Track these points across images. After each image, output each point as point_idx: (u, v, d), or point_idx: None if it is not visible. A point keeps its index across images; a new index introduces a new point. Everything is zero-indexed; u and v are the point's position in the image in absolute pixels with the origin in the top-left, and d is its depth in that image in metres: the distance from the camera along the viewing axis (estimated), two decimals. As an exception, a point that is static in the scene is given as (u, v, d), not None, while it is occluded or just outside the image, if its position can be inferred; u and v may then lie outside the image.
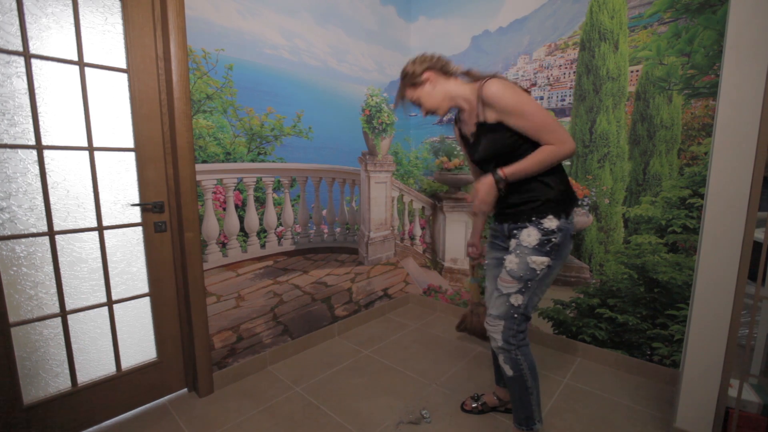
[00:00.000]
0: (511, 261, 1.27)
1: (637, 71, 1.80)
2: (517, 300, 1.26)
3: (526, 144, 1.20)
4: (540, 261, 1.23)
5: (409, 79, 1.32)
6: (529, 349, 1.35)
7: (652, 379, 1.88)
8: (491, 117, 1.22)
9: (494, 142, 1.24)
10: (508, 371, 1.32)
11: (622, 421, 1.60)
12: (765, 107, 1.19)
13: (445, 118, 2.59)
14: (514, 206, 1.28)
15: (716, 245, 1.30)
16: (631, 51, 1.81)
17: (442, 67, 1.31)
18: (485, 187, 1.23)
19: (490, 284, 1.47)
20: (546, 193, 1.23)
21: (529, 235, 1.24)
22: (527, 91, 1.23)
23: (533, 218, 1.24)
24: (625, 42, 1.82)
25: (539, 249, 1.23)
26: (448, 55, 2.48)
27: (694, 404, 1.40)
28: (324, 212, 2.26)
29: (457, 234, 2.58)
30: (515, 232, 1.29)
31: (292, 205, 2.09)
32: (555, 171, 1.24)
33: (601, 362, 2.04)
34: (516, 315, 1.28)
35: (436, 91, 1.30)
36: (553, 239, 1.22)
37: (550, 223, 1.22)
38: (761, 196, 1.24)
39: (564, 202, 1.24)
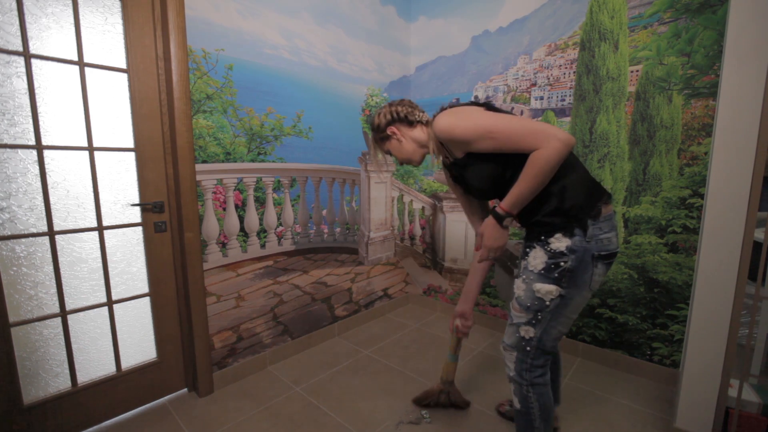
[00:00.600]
0: (518, 287, 1.10)
1: (637, 71, 1.80)
2: (527, 333, 1.09)
3: (514, 161, 1.01)
4: (546, 290, 1.03)
5: (377, 133, 1.26)
6: (546, 389, 1.13)
7: (652, 379, 1.88)
8: (458, 152, 1.10)
9: (476, 175, 1.10)
10: (516, 404, 1.17)
11: (622, 421, 1.60)
12: (765, 107, 1.19)
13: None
14: (526, 221, 1.11)
15: (716, 245, 1.30)
16: (631, 51, 1.81)
17: (406, 117, 1.21)
18: (490, 230, 1.04)
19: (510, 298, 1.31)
20: (552, 205, 1.02)
21: (535, 258, 1.05)
22: (485, 104, 1.09)
23: (541, 237, 1.05)
24: (625, 42, 1.82)
25: (545, 275, 1.03)
26: (447, 55, 2.51)
27: (694, 404, 1.40)
28: (324, 212, 2.26)
29: (457, 234, 2.58)
30: (527, 250, 1.10)
31: (292, 205, 2.09)
32: (565, 175, 1.02)
33: (601, 362, 2.04)
34: (528, 348, 1.10)
35: (404, 143, 1.23)
36: (563, 263, 1.01)
37: (559, 243, 1.01)
38: (761, 196, 1.24)
39: (578, 215, 1.00)
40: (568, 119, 2.04)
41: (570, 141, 0.93)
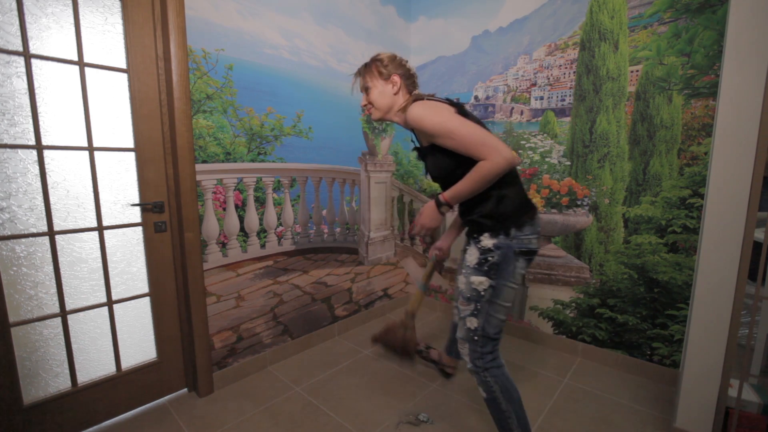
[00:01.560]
0: (461, 281, 1.25)
1: (637, 71, 1.80)
2: (472, 323, 1.21)
3: (466, 162, 1.13)
4: (479, 281, 1.19)
5: (378, 66, 1.28)
6: (501, 371, 1.24)
7: (652, 379, 1.88)
8: (423, 140, 1.23)
9: (434, 164, 1.22)
10: (482, 393, 1.27)
11: (622, 421, 1.60)
12: (765, 107, 1.19)
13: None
14: (464, 217, 1.27)
15: (716, 245, 1.30)
16: (631, 51, 1.81)
17: (411, 84, 1.32)
18: (428, 210, 1.21)
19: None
20: (487, 208, 1.17)
21: (471, 255, 1.22)
22: (456, 104, 1.20)
23: (474, 236, 1.22)
24: (625, 42, 1.82)
25: (478, 268, 1.19)
26: (448, 55, 2.51)
27: (694, 404, 1.40)
28: (324, 212, 2.26)
29: (457, 234, 2.58)
30: (466, 248, 1.29)
31: (292, 205, 2.09)
32: (506, 186, 1.17)
33: (601, 362, 2.04)
34: (476, 338, 1.22)
35: (391, 96, 1.28)
36: (490, 258, 1.17)
37: (487, 241, 1.18)
38: (761, 196, 1.24)
39: (505, 219, 1.16)
40: (568, 119, 2.04)
41: (513, 161, 1.08)
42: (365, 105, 1.32)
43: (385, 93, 1.28)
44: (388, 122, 1.25)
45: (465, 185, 1.12)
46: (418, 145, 1.30)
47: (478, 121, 1.20)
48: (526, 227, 1.18)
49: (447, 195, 1.17)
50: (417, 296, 1.71)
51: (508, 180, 1.18)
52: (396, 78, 1.28)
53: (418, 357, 1.81)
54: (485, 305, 1.20)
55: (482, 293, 1.19)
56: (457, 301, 1.27)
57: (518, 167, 2.24)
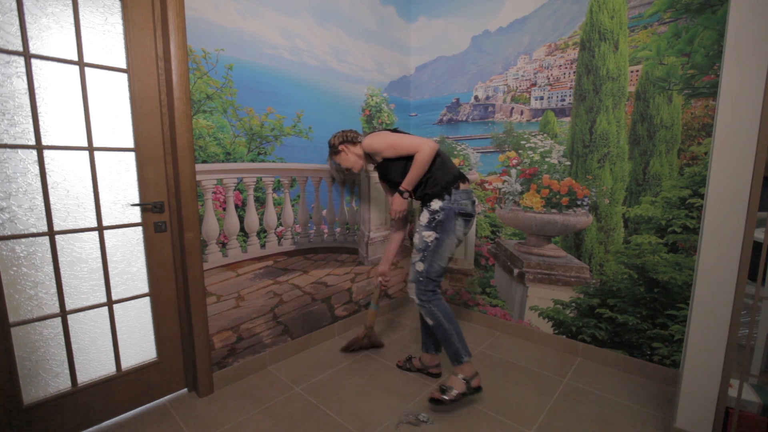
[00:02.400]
0: (415, 237, 1.70)
1: (637, 71, 1.80)
2: (419, 267, 1.66)
3: (410, 160, 1.66)
4: (428, 234, 1.64)
5: (332, 150, 1.87)
6: (441, 301, 1.69)
7: (652, 379, 1.88)
8: (378, 159, 1.77)
9: (392, 170, 1.73)
10: (429, 321, 1.68)
11: (622, 421, 1.60)
12: (765, 107, 1.19)
13: (445, 119, 2.59)
14: (419, 195, 1.73)
15: (716, 245, 1.30)
16: (631, 51, 1.81)
17: (352, 140, 1.84)
18: (396, 199, 1.74)
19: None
20: (432, 186, 1.67)
21: (423, 217, 1.67)
22: (394, 129, 1.80)
23: (427, 204, 1.68)
24: (625, 42, 1.82)
25: (428, 225, 1.64)
26: (448, 55, 2.51)
27: (694, 404, 1.40)
28: (324, 212, 2.26)
29: (457, 234, 2.58)
30: (420, 214, 1.72)
31: (292, 205, 2.09)
32: (440, 168, 1.67)
33: (601, 362, 2.04)
34: (421, 278, 1.66)
35: (349, 156, 1.84)
36: (437, 217, 1.63)
37: (435, 205, 1.64)
38: (761, 196, 1.24)
39: (445, 188, 1.64)
40: (568, 119, 2.04)
41: (435, 147, 1.63)
42: (347, 170, 1.88)
43: (345, 158, 1.84)
44: (369, 168, 2.06)
45: (412, 173, 1.64)
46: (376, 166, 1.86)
47: (405, 133, 1.74)
48: (460, 193, 1.65)
49: (403, 185, 1.68)
50: (372, 314, 2.14)
51: (442, 164, 1.69)
52: (341, 147, 1.84)
53: (403, 370, 2.00)
54: (430, 253, 1.64)
55: (429, 244, 1.64)
56: (412, 253, 1.72)
57: (518, 166, 2.25)
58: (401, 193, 1.70)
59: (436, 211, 1.62)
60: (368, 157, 1.82)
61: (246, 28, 1.81)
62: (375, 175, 2.56)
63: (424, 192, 1.69)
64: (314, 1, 2.07)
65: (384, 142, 1.68)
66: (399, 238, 2.00)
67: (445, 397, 1.62)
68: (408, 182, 1.66)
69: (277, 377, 1.94)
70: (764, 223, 1.99)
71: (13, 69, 1.30)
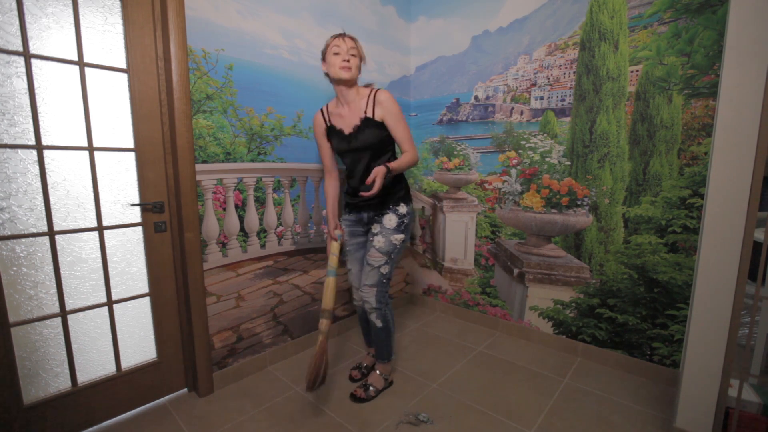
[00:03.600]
0: (378, 240, 1.65)
1: (637, 71, 1.80)
2: (385, 269, 1.66)
3: (392, 144, 1.67)
4: (398, 237, 1.65)
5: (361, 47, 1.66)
6: (390, 305, 1.76)
7: (652, 379, 1.88)
8: (378, 115, 1.60)
9: (372, 134, 1.60)
10: (379, 324, 1.71)
11: (622, 421, 1.60)
12: (765, 107, 1.19)
13: (445, 119, 2.59)
14: (378, 197, 1.64)
15: (716, 245, 1.30)
16: (631, 51, 1.81)
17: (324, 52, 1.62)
18: (382, 172, 1.53)
19: (355, 265, 1.81)
20: (400, 189, 1.68)
21: (390, 220, 1.65)
22: None
23: (391, 207, 1.66)
24: (625, 42, 1.82)
25: (397, 229, 1.65)
26: (448, 55, 2.51)
27: (694, 404, 1.40)
28: (324, 212, 2.26)
29: (457, 234, 2.58)
30: (377, 218, 1.68)
31: (292, 205, 2.09)
32: (403, 174, 1.72)
33: (601, 362, 2.04)
34: (384, 281, 1.68)
35: (357, 66, 1.63)
36: (405, 221, 1.67)
37: (402, 210, 1.66)
38: (761, 196, 1.24)
39: (408, 195, 1.71)
40: (568, 119, 2.04)
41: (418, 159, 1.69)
42: (348, 61, 1.56)
43: (359, 67, 1.65)
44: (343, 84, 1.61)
45: (401, 163, 1.59)
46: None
47: None
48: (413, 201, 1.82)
49: (392, 166, 1.57)
50: (332, 287, 1.69)
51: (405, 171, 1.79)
52: (324, 65, 1.64)
53: (360, 380, 1.90)
54: (396, 255, 1.68)
55: (398, 246, 1.66)
56: (368, 256, 1.67)
57: (518, 166, 2.25)
58: (388, 170, 1.54)
59: (405, 215, 1.66)
60: (367, 103, 1.61)
61: (246, 28, 1.81)
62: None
63: (391, 190, 1.65)
64: (314, 1, 2.07)
65: (399, 114, 1.60)
66: (337, 193, 1.85)
67: (370, 394, 1.75)
68: (395, 166, 1.56)
69: (277, 377, 1.94)
70: (764, 223, 1.99)
71: (13, 69, 1.30)
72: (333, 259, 1.72)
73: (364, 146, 1.62)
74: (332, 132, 1.69)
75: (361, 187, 1.66)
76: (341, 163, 1.78)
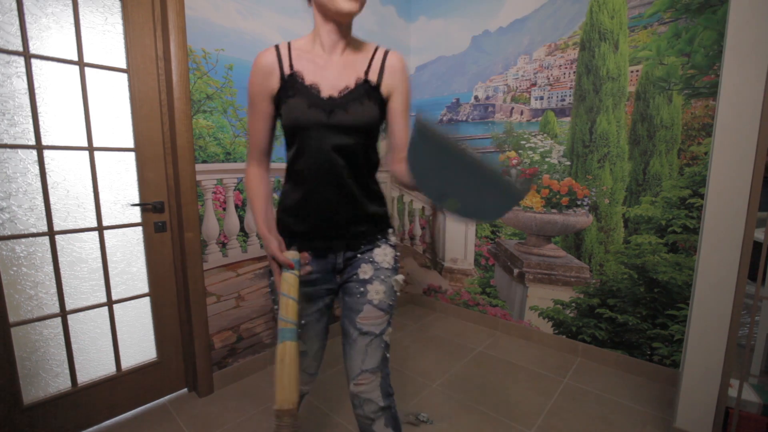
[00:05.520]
0: (377, 291, 0.98)
1: (637, 71, 1.80)
2: (388, 337, 1.00)
3: (377, 136, 1.01)
4: (399, 279, 1.04)
5: None
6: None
7: (652, 379, 1.88)
8: (386, 86, 0.97)
9: (373, 114, 0.95)
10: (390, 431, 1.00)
11: (622, 421, 1.60)
12: (765, 107, 1.19)
13: (445, 119, 2.59)
14: (365, 223, 1.00)
15: (716, 245, 1.30)
16: (631, 51, 1.81)
17: None
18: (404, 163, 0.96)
19: (315, 343, 1.05)
20: (385, 207, 1.04)
21: (386, 255, 1.01)
22: None
23: (379, 236, 1.02)
24: (625, 42, 1.82)
25: (395, 267, 1.03)
26: (447, 55, 2.51)
27: (694, 404, 1.40)
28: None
29: (457, 234, 2.58)
30: (362, 255, 1.00)
31: (292, 205, 2.09)
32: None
33: (601, 362, 2.04)
34: (388, 355, 1.01)
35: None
36: (398, 253, 1.06)
37: (393, 238, 1.06)
38: (761, 196, 1.24)
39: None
40: (568, 119, 2.04)
41: None
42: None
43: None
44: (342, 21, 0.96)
45: (408, 173, 0.84)
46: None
47: None
48: None
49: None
50: (293, 363, 0.91)
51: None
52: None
53: None
54: (395, 306, 1.05)
55: (398, 293, 1.05)
56: (359, 320, 0.98)
57: (518, 166, 2.25)
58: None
59: (395, 246, 1.06)
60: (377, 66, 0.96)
61: (246, 28, 1.80)
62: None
63: (374, 209, 1.02)
64: (314, 1, 2.06)
65: (410, 91, 1.01)
66: (270, 192, 1.18)
67: None
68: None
69: (277, 377, 1.94)
70: (764, 223, 1.99)
71: (13, 69, 1.30)
72: (290, 306, 0.91)
73: (354, 126, 0.93)
74: (291, 87, 0.93)
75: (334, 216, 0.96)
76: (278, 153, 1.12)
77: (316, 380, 1.12)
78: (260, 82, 0.95)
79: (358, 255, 1.01)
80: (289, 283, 0.92)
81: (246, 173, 1.07)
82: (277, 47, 0.97)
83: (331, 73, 0.94)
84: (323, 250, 1.00)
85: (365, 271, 1.00)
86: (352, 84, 0.94)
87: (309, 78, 0.94)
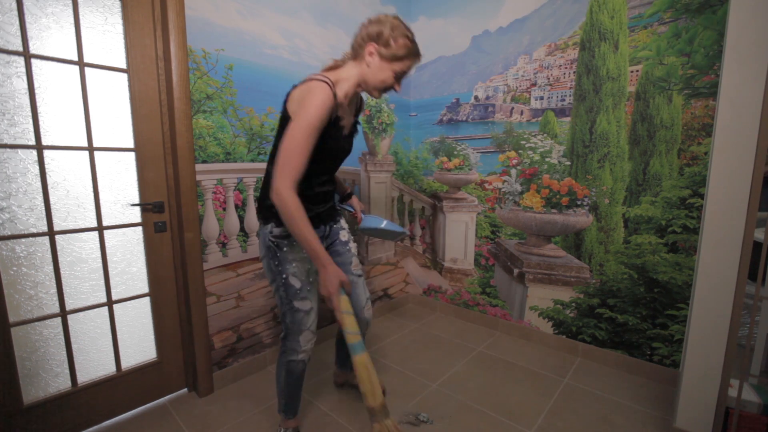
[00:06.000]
0: (354, 247, 1.53)
1: (637, 71, 1.80)
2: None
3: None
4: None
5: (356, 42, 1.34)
6: None
7: (652, 379, 1.88)
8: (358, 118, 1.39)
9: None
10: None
11: (622, 421, 1.60)
12: (765, 107, 1.19)
13: (445, 119, 2.59)
14: (334, 206, 1.48)
15: (716, 245, 1.30)
16: (631, 51, 1.81)
17: (386, 42, 1.26)
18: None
19: (318, 301, 1.36)
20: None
21: (346, 231, 1.52)
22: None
23: (337, 218, 1.51)
24: (625, 42, 1.82)
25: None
26: (448, 55, 2.51)
27: (694, 404, 1.40)
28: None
29: (457, 234, 2.58)
30: (335, 226, 1.47)
31: (292, 205, 2.09)
32: None
33: (601, 362, 2.04)
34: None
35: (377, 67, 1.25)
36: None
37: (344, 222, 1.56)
38: (761, 196, 1.24)
39: None
40: (568, 119, 2.04)
41: None
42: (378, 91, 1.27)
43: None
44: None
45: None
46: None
47: None
48: None
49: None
50: (368, 367, 1.15)
51: None
52: (368, 48, 1.26)
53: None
54: None
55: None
56: (351, 267, 1.48)
57: (518, 166, 2.25)
58: None
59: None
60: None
61: (246, 28, 1.81)
62: (375, 175, 2.56)
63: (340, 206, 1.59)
64: (314, 1, 2.07)
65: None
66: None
67: None
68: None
69: (277, 377, 1.94)
70: (764, 223, 1.99)
71: (13, 69, 1.30)
72: (354, 321, 1.13)
73: (350, 150, 1.39)
74: (335, 126, 1.21)
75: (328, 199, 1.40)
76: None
77: (364, 312, 1.52)
78: (324, 116, 1.11)
79: (334, 225, 1.46)
80: (347, 301, 1.14)
81: (286, 197, 1.08)
82: (332, 89, 1.14)
83: (347, 117, 1.30)
84: (323, 223, 1.40)
85: (343, 234, 1.50)
86: (353, 120, 1.36)
87: (342, 121, 1.26)
